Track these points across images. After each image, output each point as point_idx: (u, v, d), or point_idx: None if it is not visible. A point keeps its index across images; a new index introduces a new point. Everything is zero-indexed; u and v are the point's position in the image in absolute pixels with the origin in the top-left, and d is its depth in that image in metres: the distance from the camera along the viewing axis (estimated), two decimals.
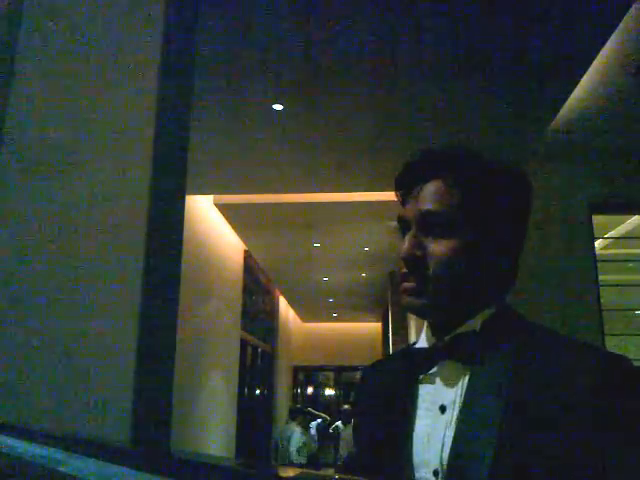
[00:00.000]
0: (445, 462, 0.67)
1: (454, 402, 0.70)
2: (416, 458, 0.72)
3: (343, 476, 0.67)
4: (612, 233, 4.69)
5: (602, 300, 3.88)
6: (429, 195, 0.74)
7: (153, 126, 1.36)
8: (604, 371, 0.64)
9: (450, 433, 0.68)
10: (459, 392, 0.70)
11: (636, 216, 4.50)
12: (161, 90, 1.40)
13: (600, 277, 3.95)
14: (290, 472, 0.51)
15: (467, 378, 0.70)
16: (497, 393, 0.66)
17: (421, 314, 0.76)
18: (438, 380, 0.74)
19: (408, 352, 0.83)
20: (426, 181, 0.75)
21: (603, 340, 3.78)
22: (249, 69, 2.97)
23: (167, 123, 1.41)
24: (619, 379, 0.64)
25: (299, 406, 9.56)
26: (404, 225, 0.77)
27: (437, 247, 0.72)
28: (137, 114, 1.40)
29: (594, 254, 3.98)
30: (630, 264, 4.68)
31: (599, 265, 3.98)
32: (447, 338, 0.74)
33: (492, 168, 0.75)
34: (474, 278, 0.74)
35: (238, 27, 2.64)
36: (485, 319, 0.74)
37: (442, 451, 0.68)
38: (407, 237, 0.74)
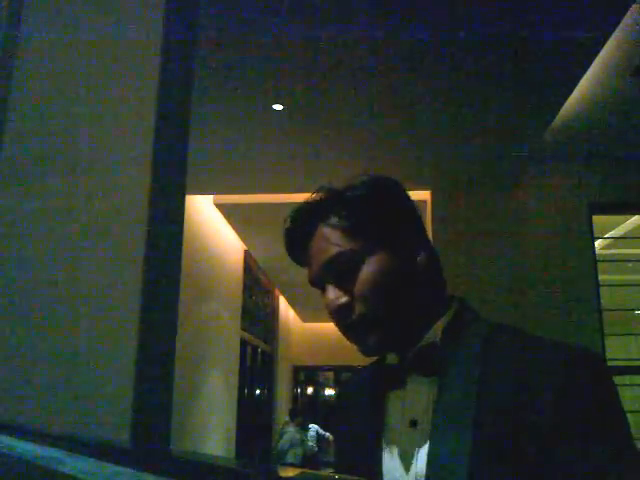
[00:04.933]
0: (420, 477, 0.66)
1: (424, 416, 0.69)
2: (389, 475, 0.70)
3: (343, 476, 0.67)
4: (612, 233, 4.69)
5: (602, 300, 3.88)
6: (320, 245, 0.74)
7: (153, 126, 1.36)
8: (571, 368, 0.63)
9: (423, 447, 0.67)
10: (429, 405, 0.69)
11: (636, 216, 4.50)
12: (161, 90, 1.40)
13: (600, 277, 3.94)
14: (290, 472, 0.51)
15: (435, 390, 0.69)
16: (466, 403, 0.65)
17: (386, 349, 0.75)
18: (407, 395, 0.73)
19: (377, 368, 0.82)
20: (310, 236, 0.76)
21: (603, 340, 3.78)
22: (249, 69, 2.97)
23: (167, 123, 1.41)
24: (586, 374, 0.63)
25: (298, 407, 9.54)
26: (319, 286, 0.76)
27: (356, 286, 0.71)
28: (137, 114, 1.40)
29: (594, 254, 3.98)
30: (630, 264, 4.68)
31: (599, 265, 3.98)
32: (410, 354, 0.73)
33: (358, 195, 0.75)
34: (404, 293, 0.73)
35: (238, 27, 2.64)
36: (443, 327, 0.73)
37: (415, 467, 0.67)
38: (326, 294, 0.73)
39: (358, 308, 0.71)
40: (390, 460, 0.71)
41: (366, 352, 0.75)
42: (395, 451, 0.71)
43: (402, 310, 0.73)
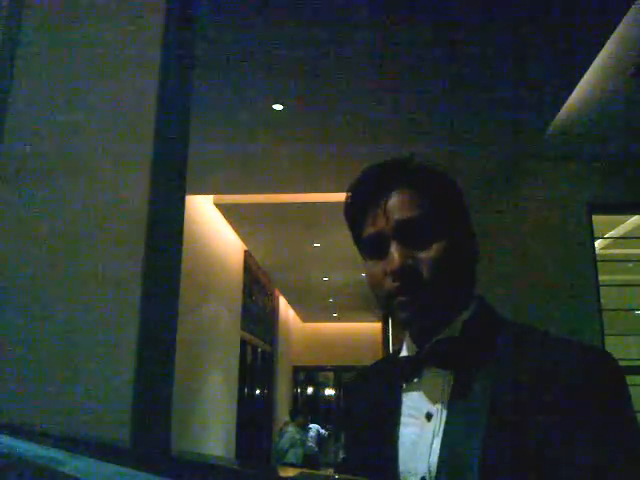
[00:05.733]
0: (433, 469, 0.67)
1: (440, 409, 0.70)
2: (403, 466, 0.71)
3: (343, 476, 0.67)
4: (612, 233, 4.69)
5: (602, 300, 3.88)
6: (402, 205, 0.73)
7: (153, 126, 1.36)
8: (587, 368, 0.64)
9: (437, 440, 0.68)
10: (444, 398, 0.70)
11: (636, 216, 4.50)
12: (161, 90, 1.40)
13: (600, 277, 3.94)
14: (290, 472, 0.51)
15: (451, 384, 0.70)
16: (482, 397, 0.66)
17: (421, 324, 0.74)
18: (423, 387, 0.73)
19: (391, 361, 0.82)
20: (389, 193, 0.74)
21: (603, 340, 3.78)
22: (249, 69, 2.97)
23: (167, 123, 1.41)
24: (602, 375, 0.64)
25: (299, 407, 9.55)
26: (378, 242, 0.74)
27: (427, 254, 0.71)
28: (137, 114, 1.40)
29: (594, 254, 3.98)
30: (630, 264, 4.68)
31: (599, 265, 3.98)
32: (428, 346, 0.74)
33: (439, 172, 0.77)
34: (461, 280, 0.75)
35: (238, 27, 2.64)
36: (464, 322, 0.73)
37: (429, 458, 0.68)
38: (393, 250, 0.71)
39: (424, 274, 0.70)
40: (405, 452, 0.72)
41: (403, 321, 0.73)
42: (410, 443, 0.72)
43: (450, 298, 0.73)
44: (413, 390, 0.75)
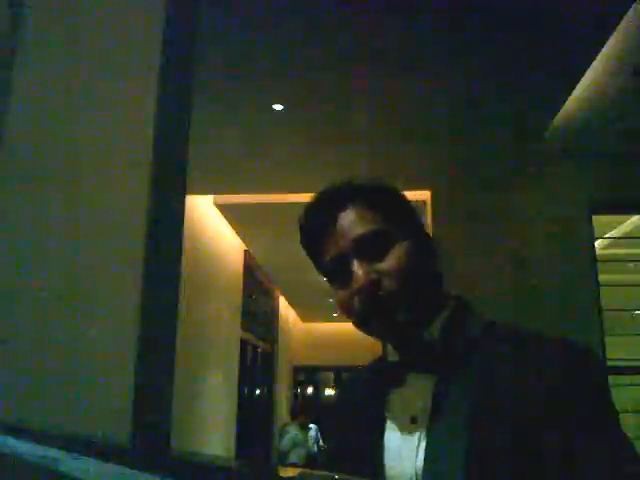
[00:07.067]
0: (419, 474, 0.67)
1: (424, 412, 0.70)
2: (389, 471, 0.71)
3: (343, 476, 0.67)
4: (612, 233, 4.69)
5: (602, 300, 3.88)
6: (355, 222, 0.74)
7: (153, 126, 1.36)
8: (568, 362, 0.65)
9: (422, 443, 0.68)
10: (428, 402, 0.70)
11: (636, 216, 4.50)
12: (161, 90, 1.40)
13: (600, 277, 3.94)
14: (290, 472, 0.52)
15: (434, 387, 0.70)
16: (465, 399, 0.66)
17: (397, 335, 0.75)
18: (407, 392, 0.74)
19: (376, 367, 0.83)
20: (340, 215, 0.75)
21: (603, 340, 3.78)
22: (249, 69, 2.97)
23: (167, 123, 1.41)
24: (583, 369, 0.65)
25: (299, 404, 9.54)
26: (340, 264, 0.75)
27: (387, 263, 0.72)
28: (137, 114, 1.40)
29: (594, 254, 3.98)
30: (630, 264, 4.68)
31: (599, 265, 3.98)
32: (409, 351, 0.75)
33: (382, 187, 0.79)
34: (427, 282, 0.76)
35: (238, 27, 2.64)
36: (442, 325, 0.74)
37: (415, 462, 0.68)
38: (355, 268, 0.73)
39: (389, 285, 0.71)
40: (391, 456, 0.72)
41: (388, 331, 0.75)
42: (396, 448, 0.72)
43: (423, 295, 0.74)
44: (397, 395, 0.75)
